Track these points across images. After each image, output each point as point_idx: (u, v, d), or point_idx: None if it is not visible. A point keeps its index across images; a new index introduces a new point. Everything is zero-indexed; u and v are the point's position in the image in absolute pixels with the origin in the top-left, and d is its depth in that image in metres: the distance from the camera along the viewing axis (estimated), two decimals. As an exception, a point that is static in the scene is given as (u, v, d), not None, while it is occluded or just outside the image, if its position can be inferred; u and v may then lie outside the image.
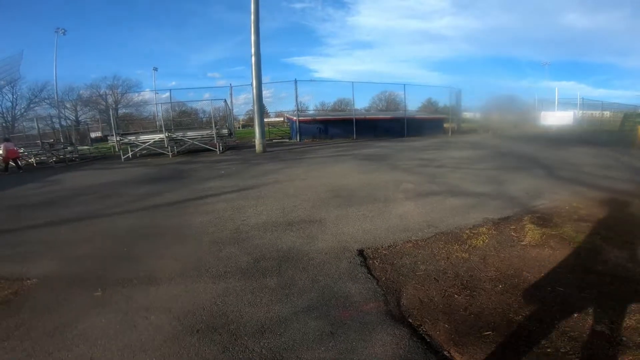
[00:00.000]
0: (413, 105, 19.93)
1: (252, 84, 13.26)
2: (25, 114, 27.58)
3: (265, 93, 24.59)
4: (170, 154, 13.31)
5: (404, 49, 78.38)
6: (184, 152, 14.33)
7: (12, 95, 27.53)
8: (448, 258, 2.98)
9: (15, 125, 25.17)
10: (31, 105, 28.11)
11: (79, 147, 15.70)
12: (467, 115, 26.65)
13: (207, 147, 13.71)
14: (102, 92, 31.05)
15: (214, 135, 13.39)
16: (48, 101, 27.16)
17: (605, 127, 21.23)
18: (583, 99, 22.25)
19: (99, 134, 22.71)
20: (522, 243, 3.30)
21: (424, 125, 20.87)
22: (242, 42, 71.72)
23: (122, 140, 13.05)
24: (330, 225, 3.88)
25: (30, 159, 13.65)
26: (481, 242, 3.33)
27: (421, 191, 5.36)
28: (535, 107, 26.93)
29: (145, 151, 14.00)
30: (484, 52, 76.59)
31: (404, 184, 5.87)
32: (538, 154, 9.50)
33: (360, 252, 3.12)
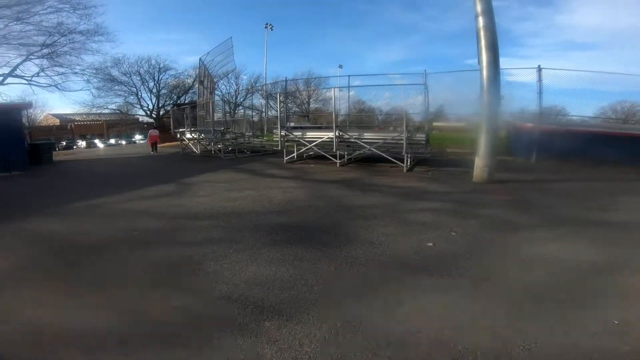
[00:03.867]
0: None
1: (479, 60, 7.47)
2: (243, 102, 31.64)
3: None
4: (338, 161, 9.65)
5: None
6: (358, 159, 10.42)
7: (236, 85, 32.80)
8: None
9: (236, 110, 28.21)
10: (247, 95, 32.09)
11: (253, 139, 14.83)
12: None
13: (389, 158, 9.11)
14: (300, 87, 32.26)
15: (404, 142, 8.51)
16: (261, 92, 29.45)
17: None
18: None
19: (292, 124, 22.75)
20: None
21: None
22: (414, 44, 64.85)
23: (287, 135, 10.32)
24: None
25: (209, 145, 13.44)
26: None
27: None
28: None
29: (312, 152, 11.00)
30: None
31: None
32: None
33: None
